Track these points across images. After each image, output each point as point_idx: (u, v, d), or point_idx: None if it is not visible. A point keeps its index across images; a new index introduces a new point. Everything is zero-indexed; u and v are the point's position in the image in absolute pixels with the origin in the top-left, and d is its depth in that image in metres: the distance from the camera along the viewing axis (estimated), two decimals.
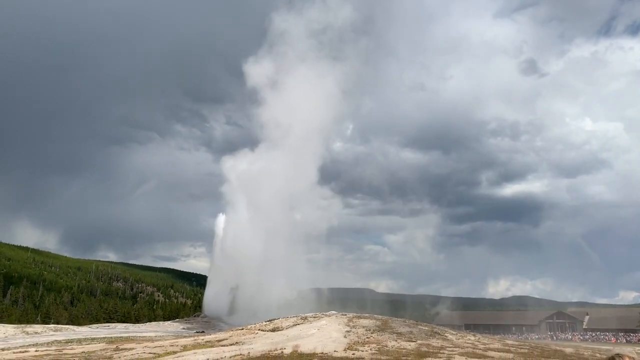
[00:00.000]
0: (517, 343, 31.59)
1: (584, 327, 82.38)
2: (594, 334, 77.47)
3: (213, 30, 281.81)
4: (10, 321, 61.93)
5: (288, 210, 72.06)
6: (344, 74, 75.53)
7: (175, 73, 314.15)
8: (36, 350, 27.32)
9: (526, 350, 25.33)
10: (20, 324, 53.75)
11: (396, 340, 25.97)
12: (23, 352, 26.97)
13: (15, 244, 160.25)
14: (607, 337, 74.61)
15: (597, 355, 25.61)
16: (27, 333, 42.65)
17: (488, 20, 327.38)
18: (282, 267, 67.11)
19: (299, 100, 71.91)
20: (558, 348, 29.13)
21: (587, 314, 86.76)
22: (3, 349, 29.31)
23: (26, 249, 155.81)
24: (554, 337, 76.64)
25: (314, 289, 72.82)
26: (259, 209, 67.76)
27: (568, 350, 27.77)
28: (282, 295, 62.85)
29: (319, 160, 74.09)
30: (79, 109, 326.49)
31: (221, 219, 73.87)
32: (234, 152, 79.29)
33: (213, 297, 67.35)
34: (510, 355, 22.87)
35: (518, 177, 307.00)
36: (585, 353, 26.52)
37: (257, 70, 72.89)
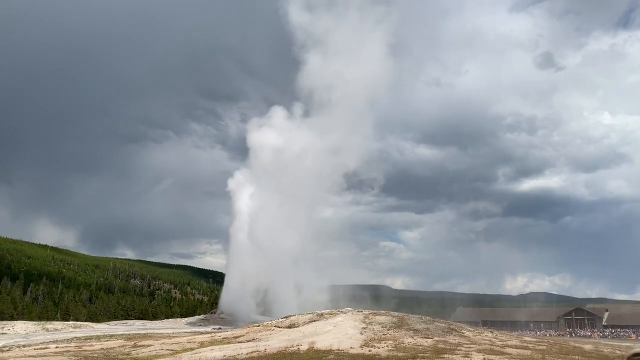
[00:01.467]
0: (535, 340, 31.24)
1: (603, 323, 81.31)
2: (613, 331, 76.47)
3: (226, 27, 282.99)
4: (30, 318, 62.99)
5: (326, 197, 64.36)
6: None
7: (190, 71, 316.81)
8: (56, 347, 27.72)
9: (544, 347, 25.04)
10: (41, 320, 54.57)
11: (413, 337, 25.85)
12: (44, 348, 27.38)
13: (35, 242, 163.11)
14: (627, 334, 73.56)
15: (617, 352, 25.21)
16: (47, 330, 43.31)
17: (503, 14, 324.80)
18: (314, 262, 61.56)
19: (347, 60, 62.34)
20: (577, 345, 28.75)
21: (607, 310, 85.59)
22: (24, 346, 29.79)
23: (45, 247, 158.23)
24: (573, 334, 75.79)
25: (331, 285, 69.52)
26: (291, 193, 59.54)
27: (587, 347, 27.39)
28: (310, 295, 56.92)
29: (371, 134, 65.13)
30: (96, 109, 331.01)
31: (238, 180, 63.75)
32: (265, 113, 67.60)
33: (230, 294, 63.34)
34: (529, 352, 22.62)
35: (535, 173, 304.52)
36: (605, 350, 26.14)
37: (301, 18, 63.72)
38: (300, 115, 64.22)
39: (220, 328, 45.25)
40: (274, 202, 60.49)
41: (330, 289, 66.24)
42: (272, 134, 64.28)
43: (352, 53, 64.16)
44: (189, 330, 44.27)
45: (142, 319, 75.53)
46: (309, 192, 61.02)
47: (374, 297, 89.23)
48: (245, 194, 63.84)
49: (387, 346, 23.05)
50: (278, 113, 65.70)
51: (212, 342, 27.49)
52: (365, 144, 66.85)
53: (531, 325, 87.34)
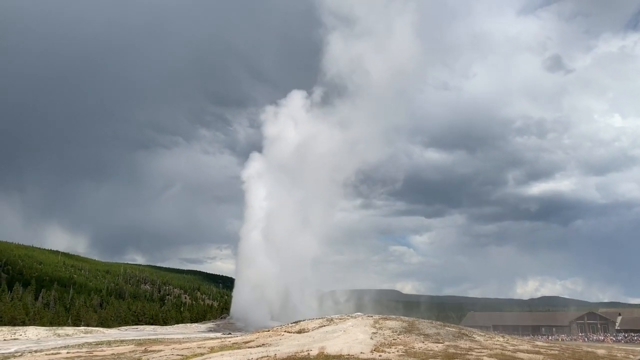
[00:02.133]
0: (547, 344, 30.99)
1: (616, 327, 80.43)
2: (627, 335, 75.59)
3: (235, 32, 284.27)
4: (42, 323, 63.28)
5: (338, 198, 59.47)
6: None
7: (198, 77, 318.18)
8: (67, 352, 27.87)
9: (557, 352, 24.82)
10: (52, 326, 54.85)
11: (423, 342, 25.72)
12: (55, 354, 27.54)
13: (46, 248, 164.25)
14: None
15: (631, 356, 24.95)
16: (59, 335, 43.51)
17: (512, 17, 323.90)
18: (328, 266, 59.07)
19: (373, 42, 58.11)
20: (590, 349, 28.47)
21: (620, 315, 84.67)
22: (36, 351, 29.97)
23: (57, 252, 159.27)
24: (586, 339, 75.02)
25: (353, 291, 66.11)
26: (308, 188, 55.50)
27: (600, 351, 27.11)
28: (332, 302, 53.29)
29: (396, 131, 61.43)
30: (106, 115, 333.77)
31: (250, 172, 57.20)
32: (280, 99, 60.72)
33: (241, 298, 60.14)
34: (540, 357, 22.44)
35: (545, 176, 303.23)
36: (619, 354, 25.86)
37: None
38: (318, 103, 60.14)
39: (230, 333, 45.24)
40: (290, 199, 56.53)
41: (353, 295, 62.54)
42: (289, 123, 59.89)
43: (379, 35, 61.02)
44: (200, 335, 44.29)
45: (152, 324, 75.66)
46: (327, 188, 57.34)
47: (405, 303, 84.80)
48: (259, 188, 59.08)
49: (397, 351, 22.95)
50: (296, 101, 61.09)
51: (222, 347, 27.51)
52: (390, 135, 64.32)
53: (543, 329, 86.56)
